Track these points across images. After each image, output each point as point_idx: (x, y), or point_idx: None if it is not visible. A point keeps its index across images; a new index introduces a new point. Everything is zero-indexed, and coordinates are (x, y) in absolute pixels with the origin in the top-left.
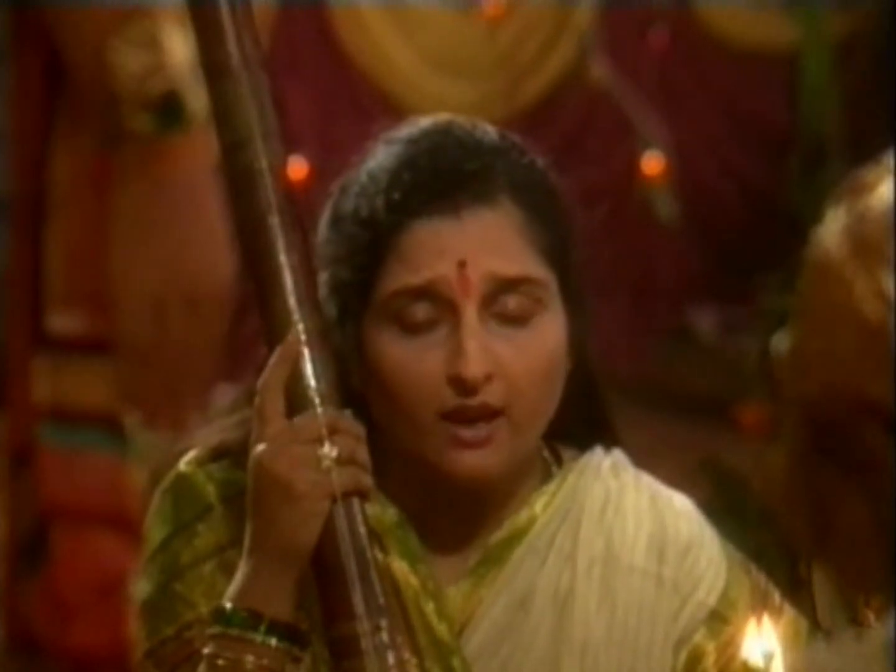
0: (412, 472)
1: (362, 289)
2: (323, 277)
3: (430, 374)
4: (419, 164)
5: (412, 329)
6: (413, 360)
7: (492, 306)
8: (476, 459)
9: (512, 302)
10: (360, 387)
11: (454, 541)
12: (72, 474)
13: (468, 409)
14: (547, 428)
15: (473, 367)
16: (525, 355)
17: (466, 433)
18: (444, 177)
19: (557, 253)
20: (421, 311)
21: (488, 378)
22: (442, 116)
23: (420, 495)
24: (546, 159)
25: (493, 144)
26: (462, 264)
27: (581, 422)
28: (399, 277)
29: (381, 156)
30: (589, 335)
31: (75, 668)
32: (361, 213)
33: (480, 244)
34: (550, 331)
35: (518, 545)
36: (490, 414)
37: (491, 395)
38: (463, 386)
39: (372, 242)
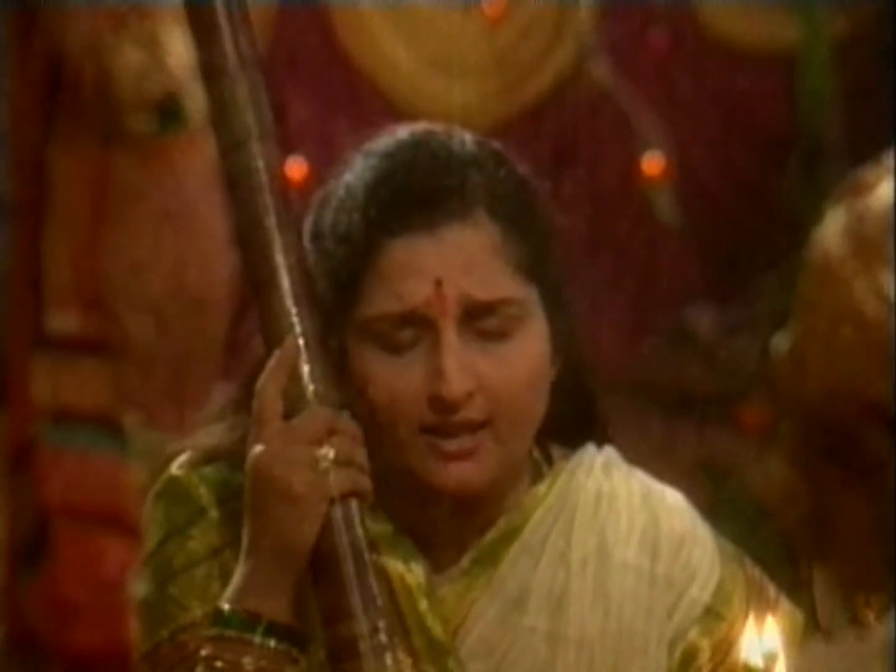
0: (399, 482)
1: (343, 307)
2: None
3: (411, 392)
4: (395, 180)
5: (394, 349)
6: (395, 378)
7: (471, 323)
8: (461, 471)
9: (491, 321)
10: (346, 399)
11: (447, 542)
12: (72, 474)
13: (450, 424)
14: (538, 427)
15: (454, 387)
16: (507, 369)
17: (450, 445)
18: (419, 194)
19: (535, 263)
20: (403, 334)
21: (469, 395)
22: (419, 126)
23: (411, 502)
24: (527, 166)
25: (470, 156)
26: (439, 283)
27: (573, 420)
28: (380, 302)
29: (358, 169)
30: (578, 335)
31: (75, 667)
32: (339, 230)
33: (457, 264)
34: (532, 342)
35: (511, 545)
36: (473, 427)
37: (473, 410)
38: (444, 405)
39: (350, 260)
